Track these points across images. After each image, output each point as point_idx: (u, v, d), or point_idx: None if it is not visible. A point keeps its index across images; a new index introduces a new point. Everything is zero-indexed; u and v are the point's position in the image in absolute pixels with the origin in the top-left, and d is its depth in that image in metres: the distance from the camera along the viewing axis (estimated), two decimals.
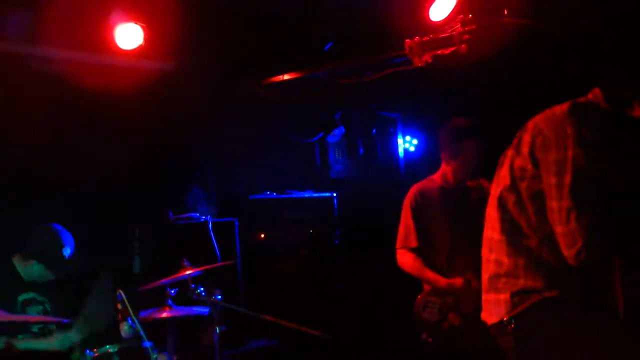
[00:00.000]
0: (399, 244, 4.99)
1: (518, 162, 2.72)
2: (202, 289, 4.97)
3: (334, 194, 7.58)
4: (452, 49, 4.96)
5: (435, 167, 5.15)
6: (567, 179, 2.52)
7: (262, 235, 6.86)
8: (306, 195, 7.35)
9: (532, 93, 5.99)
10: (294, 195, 7.23)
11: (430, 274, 4.78)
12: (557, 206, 2.55)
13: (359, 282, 7.36)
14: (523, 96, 6.24)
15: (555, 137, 2.58)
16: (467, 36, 4.84)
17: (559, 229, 2.54)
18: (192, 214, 6.12)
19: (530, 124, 2.75)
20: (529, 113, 2.85)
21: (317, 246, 7.27)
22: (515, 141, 2.77)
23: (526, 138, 2.70)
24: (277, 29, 5.86)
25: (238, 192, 6.81)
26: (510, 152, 2.79)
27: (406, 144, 8.42)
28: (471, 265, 4.45)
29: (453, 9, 5.00)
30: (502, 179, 2.82)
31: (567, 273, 2.61)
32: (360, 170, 8.21)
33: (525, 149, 2.69)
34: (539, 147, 2.63)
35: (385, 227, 5.54)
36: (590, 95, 2.77)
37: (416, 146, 8.45)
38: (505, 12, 4.87)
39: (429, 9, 5.09)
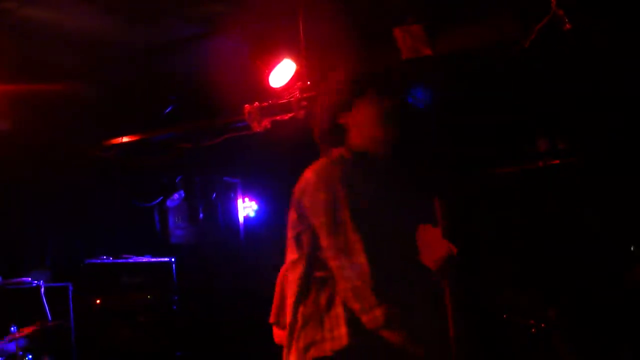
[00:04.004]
0: (272, 319, 4.78)
1: None
2: (30, 356, 4.76)
3: (173, 259, 7.50)
4: (291, 115, 5.11)
5: (274, 232, 5.16)
6: None
7: (98, 301, 6.67)
8: (144, 260, 7.23)
9: None
10: (132, 260, 7.10)
11: None
12: None
13: (196, 348, 7.27)
14: None
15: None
16: (305, 103, 5.00)
17: None
18: (24, 278, 5.89)
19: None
20: None
21: (154, 312, 7.14)
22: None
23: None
24: (117, 90, 5.83)
25: (73, 255, 6.62)
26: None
27: (246, 208, 8.49)
28: None
29: (292, 77, 5.15)
30: None
31: None
32: (200, 235, 8.18)
33: None
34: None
35: (225, 293, 5.50)
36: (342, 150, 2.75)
37: (256, 211, 8.53)
38: None
39: (268, 75, 5.22)
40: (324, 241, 2.52)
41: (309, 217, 2.57)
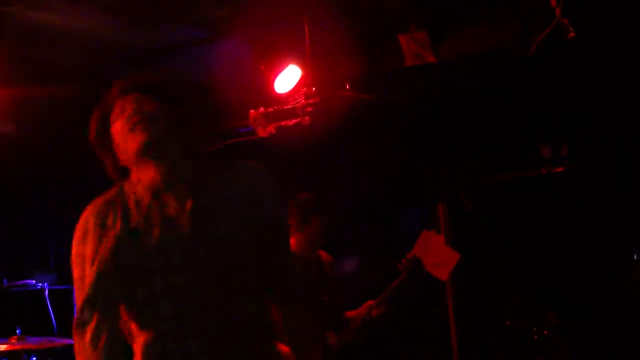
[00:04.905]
0: None
1: None
2: (34, 359, 4.78)
3: None
4: (296, 120, 5.12)
5: None
6: None
7: None
8: None
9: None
10: None
11: None
12: None
13: None
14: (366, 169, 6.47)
15: None
16: (310, 108, 5.01)
17: None
18: (28, 280, 5.90)
19: None
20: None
21: None
22: None
23: None
24: None
25: None
26: None
27: None
28: None
29: (298, 82, 5.17)
30: None
31: None
32: None
33: None
34: None
35: None
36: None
37: None
38: (347, 87, 5.11)
39: (273, 81, 5.24)
40: None
41: None
